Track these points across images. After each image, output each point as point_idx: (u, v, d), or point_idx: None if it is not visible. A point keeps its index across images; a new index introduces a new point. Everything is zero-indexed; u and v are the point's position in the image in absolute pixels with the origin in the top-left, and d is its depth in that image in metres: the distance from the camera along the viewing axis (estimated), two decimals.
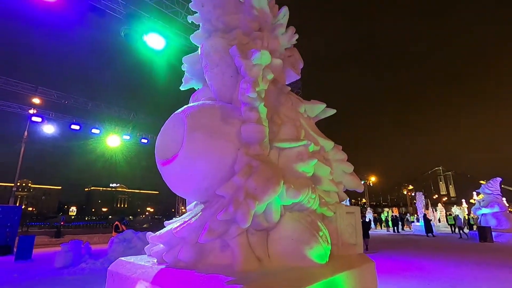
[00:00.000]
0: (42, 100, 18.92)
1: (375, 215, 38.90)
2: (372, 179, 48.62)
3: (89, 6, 10.06)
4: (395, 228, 26.43)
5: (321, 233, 3.34)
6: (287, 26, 4.85)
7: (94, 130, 19.93)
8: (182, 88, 5.23)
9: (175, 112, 3.75)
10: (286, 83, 5.10)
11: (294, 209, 3.51)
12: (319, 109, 4.60)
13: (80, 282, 7.14)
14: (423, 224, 21.97)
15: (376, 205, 79.63)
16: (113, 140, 21.24)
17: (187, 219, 3.37)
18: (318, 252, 3.21)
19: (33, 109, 19.00)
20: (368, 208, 38.31)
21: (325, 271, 3.22)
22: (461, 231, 19.63)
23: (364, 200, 60.66)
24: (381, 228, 30.77)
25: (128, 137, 21.50)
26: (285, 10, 4.70)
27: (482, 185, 20.06)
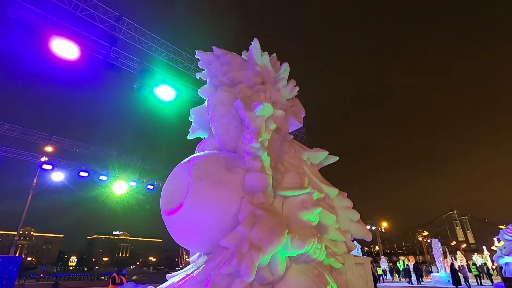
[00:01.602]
0: (55, 148, 19.57)
1: (390, 264, 36.49)
2: (384, 224, 46.55)
3: (107, 64, 10.97)
4: (417, 279, 24.69)
5: (329, 287, 3.18)
6: (289, 79, 5.20)
7: (101, 177, 20.15)
8: (189, 137, 5.46)
9: (181, 162, 3.88)
10: (289, 131, 5.30)
11: (300, 261, 3.40)
12: (321, 157, 4.69)
13: None
14: (447, 275, 20.39)
15: (390, 253, 74.97)
16: (120, 187, 21.31)
17: (189, 272, 3.28)
18: None
19: (45, 157, 19.57)
20: (382, 257, 36.04)
21: None
22: (466, 282, 18.26)
23: (377, 248, 57.35)
24: (399, 279, 28.51)
25: (134, 184, 21.59)
26: (285, 66, 5.08)
27: (501, 230, 19.00)
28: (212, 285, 2.78)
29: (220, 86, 4.92)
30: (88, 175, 19.40)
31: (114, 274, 13.19)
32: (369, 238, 4.55)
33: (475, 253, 37.28)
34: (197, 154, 3.98)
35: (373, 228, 43.95)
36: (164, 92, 11.71)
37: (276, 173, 4.06)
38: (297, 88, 5.31)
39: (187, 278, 3.11)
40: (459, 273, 19.37)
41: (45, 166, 18.30)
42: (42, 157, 19.44)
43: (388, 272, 31.12)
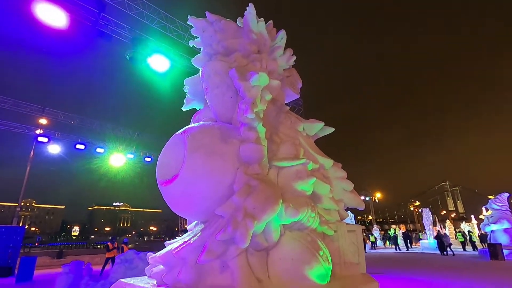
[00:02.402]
0: (49, 121, 19.33)
1: (382, 232, 38.07)
2: (378, 195, 47.91)
3: (97, 32, 10.49)
4: (406, 245, 26.04)
5: (321, 253, 3.31)
6: (285, 48, 5.02)
7: (98, 149, 20.14)
8: (184, 108, 5.37)
9: (176, 133, 3.84)
10: (285, 102, 5.22)
11: (294, 228, 3.51)
12: (317, 128, 4.67)
13: None
14: (435, 242, 21.40)
15: (382, 222, 77.98)
16: (117, 159, 21.40)
17: (186, 239, 3.37)
18: (318, 272, 3.17)
19: (40, 129, 19.38)
20: (375, 226, 37.51)
21: None
22: (448, 249, 19.25)
23: (370, 217, 59.48)
24: (389, 246, 29.89)
25: (132, 156, 21.68)
26: (282, 34, 4.88)
27: (489, 200, 19.67)
28: (208, 251, 2.88)
29: (214, 55, 4.75)
30: (84, 148, 19.36)
31: (108, 243, 13.81)
32: (361, 207, 4.68)
33: (463, 222, 38.87)
34: (192, 125, 3.93)
35: (367, 198, 45.25)
36: (158, 62, 11.35)
37: (272, 144, 4.06)
38: (294, 58, 5.15)
39: (184, 245, 3.21)
40: (448, 239, 20.35)
41: (40, 139, 18.18)
42: (37, 129, 19.26)
43: (379, 240, 32.56)
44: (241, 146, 3.48)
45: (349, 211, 25.86)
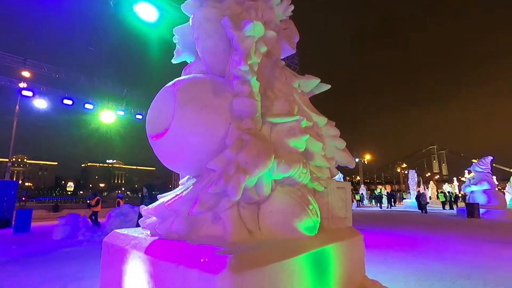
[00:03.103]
0: (32, 74, 18.41)
1: (369, 192, 39.85)
2: (367, 157, 49.24)
3: None
4: (389, 204, 27.58)
5: (311, 207, 3.40)
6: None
7: (87, 105, 19.59)
8: (173, 61, 5.08)
9: (165, 86, 3.66)
10: (281, 57, 4.98)
11: (285, 184, 3.55)
12: (313, 84, 4.52)
13: (78, 254, 7.34)
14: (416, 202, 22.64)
15: (369, 183, 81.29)
16: (107, 116, 20.97)
17: (179, 193, 3.40)
18: (307, 224, 3.29)
19: (23, 82, 18.51)
20: (362, 185, 39.14)
21: (314, 242, 3.32)
22: (424, 208, 20.60)
23: (358, 178, 61.73)
24: (374, 205, 31.51)
25: (122, 113, 21.23)
26: None
27: (473, 163, 20.44)
28: (200, 203, 2.91)
29: (206, 0, 4.36)
30: (72, 103, 18.78)
31: (94, 200, 14.29)
32: (352, 165, 4.75)
33: (446, 183, 40.82)
34: (182, 77, 3.73)
35: (357, 160, 46.50)
36: (145, 11, 10.53)
37: (266, 99, 3.94)
38: (292, 7, 4.78)
39: (176, 198, 3.24)
40: (426, 199, 21.57)
41: (25, 93, 17.47)
42: (20, 82, 18.40)
43: (365, 198, 34.28)
44: (234, 100, 3.35)
45: (338, 172, 26.76)
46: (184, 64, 5.08)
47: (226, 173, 2.87)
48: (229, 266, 2.37)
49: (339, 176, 26.52)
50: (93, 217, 13.75)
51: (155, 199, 6.17)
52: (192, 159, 3.34)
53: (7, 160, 21.55)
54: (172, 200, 3.23)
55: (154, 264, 2.99)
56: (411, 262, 6.21)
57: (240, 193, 2.84)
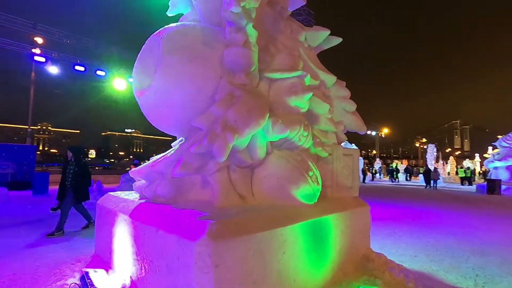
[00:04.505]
0: (43, 39, 18.24)
1: (384, 166, 38.98)
2: (385, 130, 47.53)
3: None
4: (406, 178, 27.17)
5: (310, 173, 3.06)
6: None
7: (99, 72, 19.41)
8: (169, 13, 4.58)
9: (152, 35, 3.26)
10: (290, 9, 4.39)
11: (283, 147, 3.20)
12: (321, 37, 3.97)
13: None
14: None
15: (386, 157, 79.65)
16: (120, 83, 20.81)
17: (167, 154, 3.14)
18: (305, 192, 2.97)
19: (37, 48, 18.42)
20: (378, 159, 38.24)
21: (312, 211, 3.02)
22: (434, 184, 19.82)
23: (374, 152, 60.40)
24: (390, 179, 30.80)
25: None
26: None
27: (499, 138, 19.19)
28: (183, 164, 2.63)
29: None
30: (84, 70, 18.65)
31: (132, 166, 14.42)
32: (362, 131, 4.30)
33: (467, 159, 39.16)
34: (170, 25, 3.30)
35: (373, 133, 45.16)
36: None
37: (266, 54, 3.48)
38: None
39: (161, 159, 2.98)
40: (438, 174, 20.75)
41: (37, 58, 17.40)
42: (33, 48, 18.32)
43: (381, 173, 33.55)
44: (225, 50, 2.93)
45: (353, 144, 25.96)
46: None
47: (212, 132, 2.54)
48: (209, 233, 2.12)
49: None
50: None
51: (83, 163, 5.98)
52: (178, 117, 3.01)
53: (32, 127, 22.26)
54: (157, 161, 2.97)
55: (137, 228, 2.81)
56: (422, 236, 5.88)
57: (226, 154, 2.53)
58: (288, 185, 2.94)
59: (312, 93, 3.24)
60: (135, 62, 3.37)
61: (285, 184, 2.95)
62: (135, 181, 3.63)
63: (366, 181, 25.55)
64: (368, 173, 28.07)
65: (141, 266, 2.70)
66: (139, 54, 3.34)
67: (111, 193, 4.11)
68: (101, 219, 3.81)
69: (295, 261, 2.67)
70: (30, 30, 17.01)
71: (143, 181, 3.38)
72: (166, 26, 3.24)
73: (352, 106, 4.08)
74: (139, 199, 3.28)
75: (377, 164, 34.99)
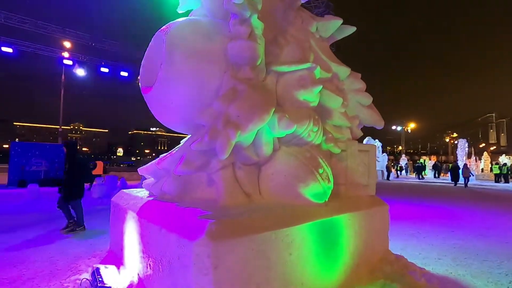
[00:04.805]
0: (71, 43, 19.14)
1: (411, 162, 37.31)
2: (411, 125, 45.41)
3: None
4: (434, 175, 26.01)
5: (320, 170, 2.90)
6: None
7: (122, 73, 20.11)
8: (179, 10, 4.55)
9: (157, 31, 3.23)
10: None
11: (292, 143, 3.06)
12: (333, 27, 3.75)
13: (107, 211, 7.79)
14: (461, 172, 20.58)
15: (413, 153, 76.32)
16: None
17: (173, 151, 3.11)
18: (315, 190, 2.82)
19: (66, 52, 19.36)
20: (403, 155, 36.66)
21: (322, 210, 2.87)
22: (466, 181, 18.38)
23: (400, 148, 58.01)
24: (416, 176, 29.44)
25: None
26: None
27: None
28: (185, 162, 2.57)
29: None
30: (108, 71, 19.41)
31: None
32: (380, 125, 4.04)
33: (503, 155, 36.46)
34: (174, 21, 3.26)
35: (399, 128, 43.34)
36: None
37: (275, 47, 3.34)
38: None
39: (167, 156, 2.95)
40: (469, 172, 19.39)
41: (66, 62, 18.36)
42: (62, 52, 19.27)
43: (406, 169, 32.07)
44: (229, 43, 2.83)
45: (377, 140, 25.03)
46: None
47: (213, 128, 2.46)
48: (208, 232, 2.04)
49: (376, 145, 24.95)
50: None
51: (78, 160, 5.66)
52: (183, 114, 2.96)
53: (68, 127, 23.56)
54: (163, 158, 2.95)
55: (143, 226, 2.80)
56: (449, 238, 5.49)
57: (228, 151, 2.43)
58: (296, 183, 2.81)
59: (322, 86, 3.07)
60: (142, 60, 3.36)
61: (293, 182, 2.81)
62: None
63: (390, 178, 24.57)
64: (393, 170, 26.99)
65: (147, 264, 2.69)
66: (146, 52, 3.33)
67: (124, 190, 4.18)
68: (114, 215, 3.88)
69: (303, 263, 2.54)
70: (59, 34, 17.87)
71: (152, 179, 3.39)
72: (171, 22, 3.20)
73: (368, 99, 3.84)
74: (148, 197, 3.28)
75: (403, 160, 33.55)
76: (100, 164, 14.25)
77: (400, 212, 7.97)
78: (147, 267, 2.69)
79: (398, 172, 29.02)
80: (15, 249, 4.47)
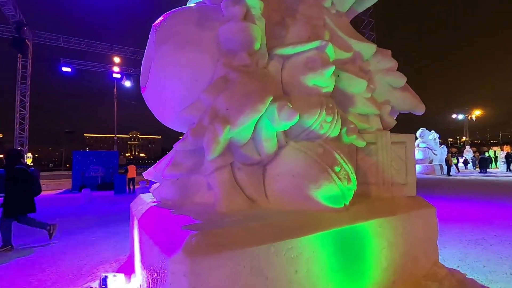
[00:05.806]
0: (120, 58, 20.73)
1: (477, 154, 32.82)
2: (476, 112, 39.98)
3: None
4: (508, 168, 22.42)
5: (337, 168, 2.40)
6: None
7: None
8: (189, 4, 4.39)
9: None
10: None
11: (301, 138, 2.60)
12: None
13: None
14: None
15: (480, 144, 67.40)
16: None
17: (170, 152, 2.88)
18: (329, 192, 2.33)
19: (116, 66, 21.06)
20: (467, 147, 32.38)
21: (340, 217, 2.36)
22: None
23: (464, 138, 51.59)
24: (483, 170, 25.72)
25: None
26: None
27: None
28: (173, 164, 2.30)
29: None
30: None
31: None
32: (419, 110, 3.32)
33: None
34: (170, 11, 3.03)
35: (461, 116, 38.57)
36: None
37: (281, 28, 2.92)
38: None
39: (164, 158, 2.73)
40: None
41: (115, 75, 19.94)
42: (113, 66, 20.99)
43: (473, 163, 28.13)
44: (220, 27, 2.49)
45: (433, 131, 22.38)
46: None
47: (198, 124, 2.15)
48: (186, 247, 1.72)
49: (433, 135, 22.31)
50: None
51: (15, 170, 4.86)
52: (178, 110, 2.70)
53: (127, 136, 25.75)
54: (160, 161, 2.73)
55: (141, 234, 2.61)
56: None
57: (216, 149, 2.10)
58: (306, 184, 2.35)
59: (334, 67, 2.55)
60: (143, 58, 3.21)
61: (302, 183, 2.36)
62: None
63: (452, 173, 21.73)
64: (452, 164, 23.84)
65: (144, 276, 2.49)
66: (146, 48, 3.17)
67: (141, 195, 4.11)
68: (130, 221, 3.82)
69: (314, 282, 2.08)
70: (107, 51, 19.47)
71: (158, 183, 3.21)
72: (165, 13, 2.97)
73: (400, 80, 3.16)
74: (152, 202, 3.11)
75: (467, 152, 29.63)
76: (132, 168, 15.04)
77: (460, 213, 6.79)
78: (143, 278, 2.49)
79: (461, 165, 25.63)
80: (43, 254, 4.66)
